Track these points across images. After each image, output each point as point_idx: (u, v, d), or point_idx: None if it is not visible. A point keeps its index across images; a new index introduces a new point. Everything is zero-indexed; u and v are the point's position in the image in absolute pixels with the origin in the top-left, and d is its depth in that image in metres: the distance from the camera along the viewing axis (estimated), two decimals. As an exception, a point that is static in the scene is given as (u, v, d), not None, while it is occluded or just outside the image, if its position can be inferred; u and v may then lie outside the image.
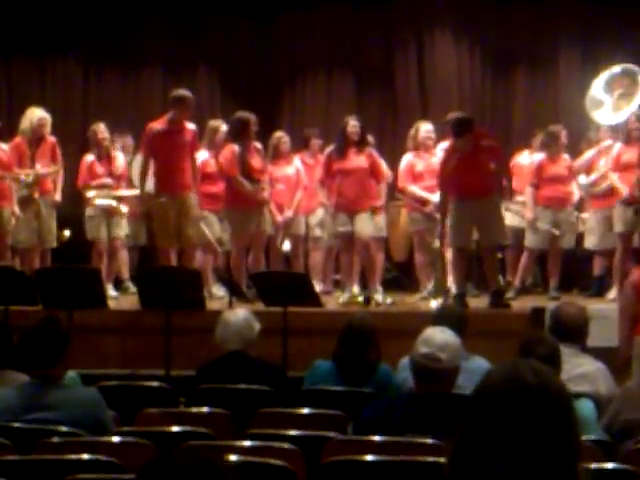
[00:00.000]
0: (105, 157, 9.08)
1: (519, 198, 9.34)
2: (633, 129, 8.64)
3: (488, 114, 11.11)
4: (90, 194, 8.99)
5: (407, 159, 9.00)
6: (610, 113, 9.06)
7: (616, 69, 9.17)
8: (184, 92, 8.34)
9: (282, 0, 11.25)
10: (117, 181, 9.13)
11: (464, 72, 11.29)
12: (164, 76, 11.41)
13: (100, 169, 9.05)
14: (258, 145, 8.71)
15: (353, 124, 8.55)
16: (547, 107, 10.88)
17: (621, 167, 8.62)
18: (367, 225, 8.49)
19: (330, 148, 8.72)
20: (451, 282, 8.34)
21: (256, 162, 8.54)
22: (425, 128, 9.02)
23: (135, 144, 9.84)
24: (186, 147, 8.22)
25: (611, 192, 8.77)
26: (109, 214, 9.04)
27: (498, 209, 8.18)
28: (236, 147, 8.43)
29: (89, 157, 9.11)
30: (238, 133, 8.48)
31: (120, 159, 9.26)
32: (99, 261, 8.92)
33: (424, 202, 8.83)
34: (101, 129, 9.06)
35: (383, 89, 11.32)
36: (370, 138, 8.88)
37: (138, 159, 9.60)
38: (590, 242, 9.06)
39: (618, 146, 8.75)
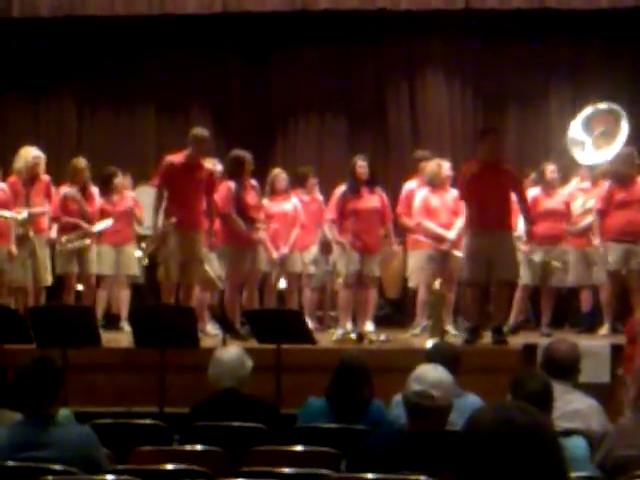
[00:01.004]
0: (81, 193, 8.89)
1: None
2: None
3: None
4: (63, 239, 8.81)
5: (422, 195, 8.87)
6: (592, 152, 9.02)
7: (589, 109, 9.10)
8: (202, 131, 8.37)
9: (275, 40, 11.34)
10: (89, 220, 8.88)
11: (456, 111, 11.38)
12: (157, 114, 11.49)
13: (73, 204, 8.85)
14: (254, 182, 8.77)
15: (360, 164, 8.60)
16: (538, 146, 10.93)
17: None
18: (377, 265, 8.63)
19: (342, 188, 8.67)
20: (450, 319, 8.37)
21: (252, 199, 8.60)
22: (447, 166, 8.95)
23: (133, 181, 9.90)
24: (201, 185, 8.23)
25: (586, 231, 8.82)
26: (80, 251, 8.85)
27: (515, 244, 8.11)
28: (232, 184, 8.48)
29: (64, 189, 8.92)
30: (234, 171, 8.54)
31: (96, 196, 9.06)
32: (68, 296, 8.85)
33: (439, 239, 8.74)
34: (81, 165, 8.92)
35: (375, 127, 11.40)
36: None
37: (139, 190, 9.66)
38: (567, 279, 9.06)
39: (607, 185, 8.68)
